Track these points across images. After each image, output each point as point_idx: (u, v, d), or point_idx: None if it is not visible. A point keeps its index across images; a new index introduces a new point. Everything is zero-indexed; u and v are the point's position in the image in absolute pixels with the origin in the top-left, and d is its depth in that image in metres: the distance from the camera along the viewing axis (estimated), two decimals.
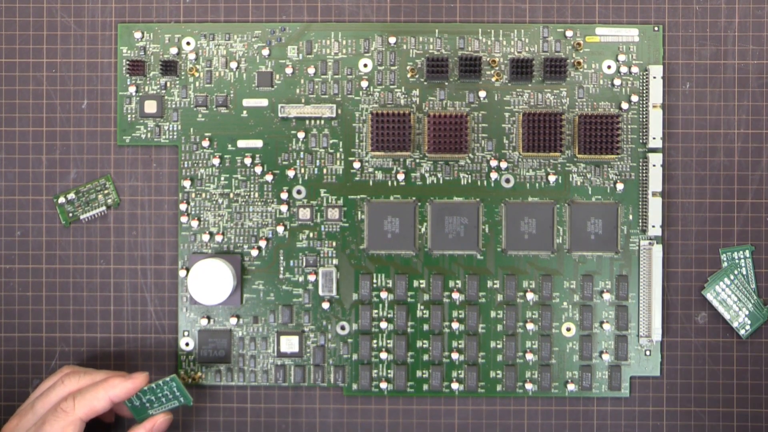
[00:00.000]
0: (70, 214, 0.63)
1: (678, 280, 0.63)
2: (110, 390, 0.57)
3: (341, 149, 0.63)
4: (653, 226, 0.62)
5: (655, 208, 0.62)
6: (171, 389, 0.58)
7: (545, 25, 0.63)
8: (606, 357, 0.62)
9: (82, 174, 0.63)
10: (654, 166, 0.62)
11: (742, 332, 0.63)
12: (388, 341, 0.62)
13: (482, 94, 0.62)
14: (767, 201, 0.63)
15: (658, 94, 0.62)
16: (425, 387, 0.62)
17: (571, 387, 0.62)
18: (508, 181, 0.63)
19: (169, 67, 0.62)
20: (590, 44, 0.63)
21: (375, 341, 0.62)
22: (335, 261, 0.63)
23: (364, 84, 0.63)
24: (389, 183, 0.63)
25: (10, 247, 0.63)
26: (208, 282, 0.60)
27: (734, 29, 0.63)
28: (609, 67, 0.63)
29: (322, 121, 0.63)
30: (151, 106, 0.63)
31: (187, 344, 0.62)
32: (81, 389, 0.57)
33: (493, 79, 0.63)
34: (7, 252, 0.63)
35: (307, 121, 0.63)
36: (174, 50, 0.63)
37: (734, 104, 0.63)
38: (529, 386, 0.62)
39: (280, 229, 0.62)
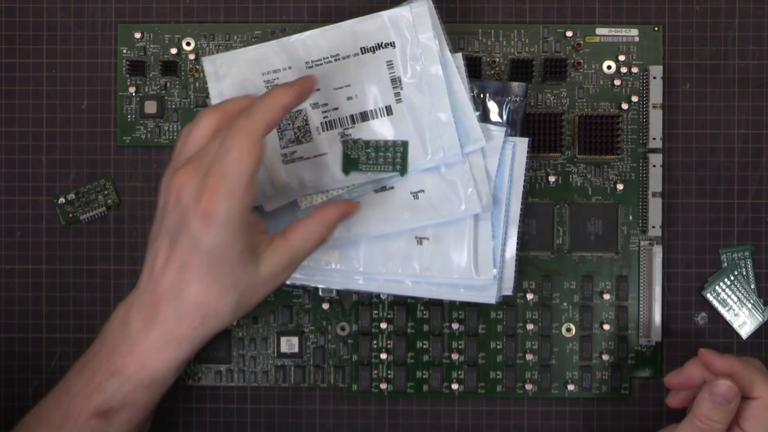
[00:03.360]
0: (70, 215, 0.63)
1: (678, 281, 0.63)
2: (278, 98, 0.49)
3: None
4: (653, 227, 0.62)
5: (655, 209, 0.62)
6: (395, 153, 0.55)
7: (545, 25, 0.63)
8: (606, 357, 0.62)
9: (82, 174, 0.63)
10: (654, 166, 0.62)
11: (742, 332, 0.63)
12: (388, 342, 0.62)
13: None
14: (767, 201, 0.63)
15: (658, 94, 0.62)
16: (425, 387, 0.62)
17: (571, 387, 0.62)
18: None
19: (169, 68, 0.62)
20: (590, 44, 0.63)
21: (375, 342, 0.62)
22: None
23: None
24: None
25: (10, 247, 0.63)
26: None
27: (734, 29, 0.63)
28: (609, 67, 0.63)
29: None
30: (151, 107, 0.62)
31: None
32: (244, 108, 0.50)
33: (493, 80, 0.63)
34: (7, 252, 0.63)
35: None
36: (174, 50, 0.63)
37: (734, 104, 0.63)
38: (529, 387, 0.62)
39: None
